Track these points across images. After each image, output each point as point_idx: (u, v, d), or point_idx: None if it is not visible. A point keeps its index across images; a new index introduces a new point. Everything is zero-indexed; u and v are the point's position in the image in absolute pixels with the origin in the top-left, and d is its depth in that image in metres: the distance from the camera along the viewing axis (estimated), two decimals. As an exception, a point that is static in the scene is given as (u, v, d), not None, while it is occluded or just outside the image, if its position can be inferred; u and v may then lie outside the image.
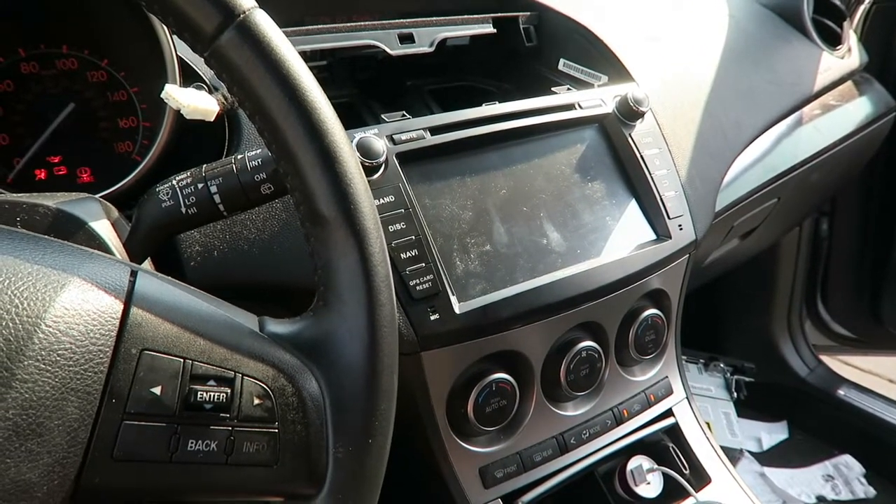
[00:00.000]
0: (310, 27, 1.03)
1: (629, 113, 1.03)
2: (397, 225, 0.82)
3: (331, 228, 0.54)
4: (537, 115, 0.97)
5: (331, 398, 0.52)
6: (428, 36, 1.11)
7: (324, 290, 0.55)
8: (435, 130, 0.90)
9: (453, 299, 0.83)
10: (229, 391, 0.49)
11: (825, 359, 2.21)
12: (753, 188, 1.25)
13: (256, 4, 0.52)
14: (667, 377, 1.08)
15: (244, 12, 0.50)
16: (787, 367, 2.13)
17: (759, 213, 1.36)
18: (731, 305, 2.22)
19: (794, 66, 1.47)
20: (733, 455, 1.87)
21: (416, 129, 0.88)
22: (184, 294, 0.51)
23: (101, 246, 0.60)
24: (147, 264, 0.70)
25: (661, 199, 1.01)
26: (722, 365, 2.06)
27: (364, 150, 0.81)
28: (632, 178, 1.02)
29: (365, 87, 1.22)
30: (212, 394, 0.48)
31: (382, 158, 0.82)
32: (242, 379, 0.49)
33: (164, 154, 0.82)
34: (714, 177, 1.13)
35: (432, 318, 0.81)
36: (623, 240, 0.98)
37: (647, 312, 1.01)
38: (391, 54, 1.07)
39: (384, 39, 1.08)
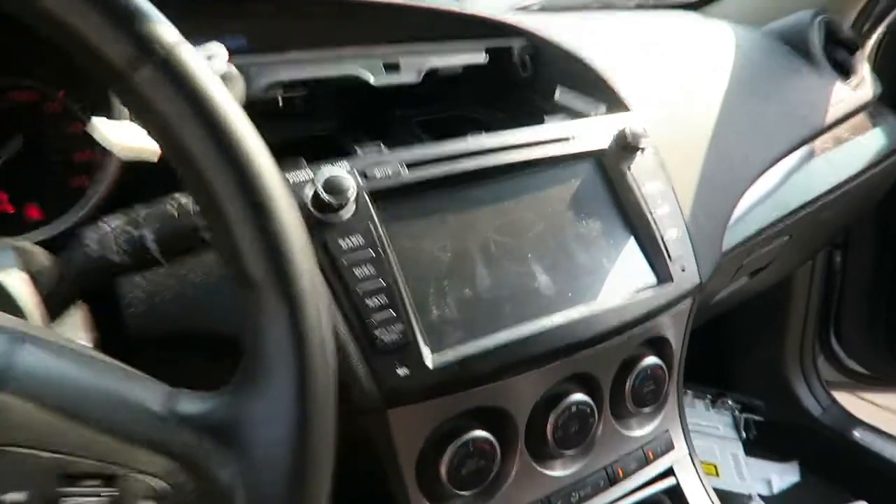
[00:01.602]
0: (289, 55, 0.94)
1: (628, 147, 0.92)
2: (365, 269, 0.72)
3: (260, 291, 0.44)
4: (527, 149, 0.87)
5: (245, 498, 0.41)
6: (415, 65, 1.02)
7: (248, 361, 0.45)
8: (413, 165, 0.79)
9: (425, 350, 0.72)
10: (114, 492, 0.38)
11: (839, 396, 2.06)
12: (763, 226, 1.13)
13: (182, 39, 0.43)
14: (667, 431, 0.95)
15: (165, 47, 0.41)
16: (798, 406, 1.98)
17: (770, 251, 1.24)
18: (739, 338, 2.08)
19: (804, 97, 1.35)
20: (742, 501, 1.72)
21: (391, 164, 0.78)
22: (73, 367, 0.41)
23: (6, 301, 0.51)
24: (79, 312, 0.61)
25: (663, 239, 0.90)
26: (730, 402, 1.91)
27: (330, 187, 0.71)
28: (630, 216, 0.91)
29: (351, 117, 1.13)
30: (87, 499, 0.37)
31: (352, 196, 0.72)
32: (128, 476, 0.39)
33: (117, 187, 0.73)
34: (721, 214, 1.02)
35: (400, 372, 0.70)
36: (620, 283, 0.87)
37: (646, 361, 0.89)
38: (375, 85, 0.98)
39: (368, 68, 0.99)
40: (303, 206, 0.72)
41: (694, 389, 1.95)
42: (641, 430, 0.93)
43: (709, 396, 1.92)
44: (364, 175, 0.76)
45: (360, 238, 0.72)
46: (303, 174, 0.74)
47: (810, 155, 1.34)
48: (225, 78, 0.75)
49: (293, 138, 1.01)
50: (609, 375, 0.87)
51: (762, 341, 2.01)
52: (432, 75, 1.02)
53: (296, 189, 0.72)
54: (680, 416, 0.97)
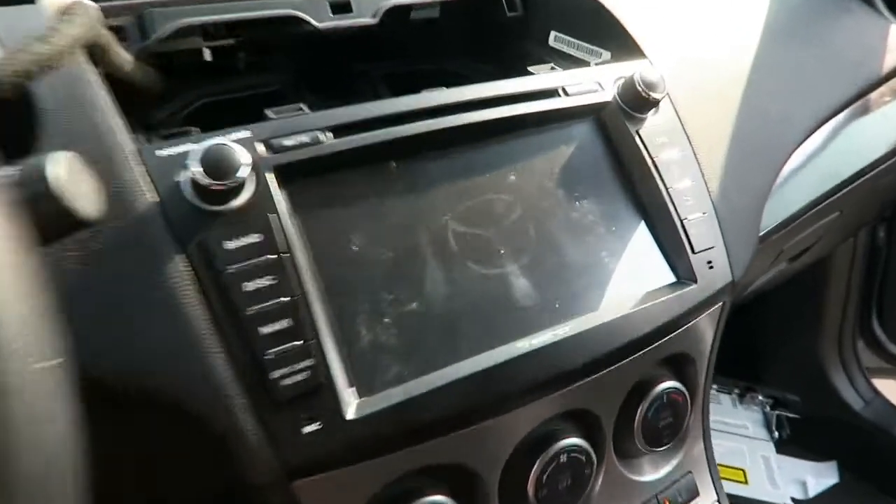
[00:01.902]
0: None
1: (637, 101, 0.69)
2: (261, 281, 0.50)
3: None
4: (502, 106, 0.64)
5: None
6: (370, 4, 0.79)
7: None
8: (341, 130, 0.57)
9: (348, 395, 0.51)
10: None
11: (882, 386, 1.84)
12: (810, 201, 0.90)
13: None
14: (690, 473, 0.74)
15: None
16: (837, 399, 1.76)
17: (816, 230, 1.00)
18: (771, 325, 1.85)
19: (856, 42, 1.09)
20: (774, 510, 1.52)
21: (309, 130, 0.57)
22: None
23: None
24: None
25: (683, 225, 0.67)
26: (760, 397, 1.70)
27: (212, 163, 0.49)
28: (640, 193, 0.68)
29: (305, 74, 0.90)
30: None
31: (245, 176, 0.51)
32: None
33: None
34: (758, 188, 0.78)
35: (308, 429, 0.49)
36: (627, 287, 0.64)
37: (661, 387, 0.68)
38: (319, 28, 0.75)
39: (311, 10, 0.76)
40: (176, 192, 0.51)
41: (719, 383, 1.73)
42: (656, 474, 0.72)
43: (736, 391, 1.70)
44: (270, 146, 0.55)
45: (255, 236, 0.51)
46: (185, 146, 0.52)
47: (864, 110, 1.10)
48: (65, 11, 0.53)
49: (230, 98, 0.80)
50: (612, 409, 0.65)
51: (796, 328, 1.78)
52: (400, 19, 0.79)
53: (166, 168, 0.51)
54: (706, 453, 0.76)
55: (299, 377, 0.49)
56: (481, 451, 0.58)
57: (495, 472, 0.59)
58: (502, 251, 0.61)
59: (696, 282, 0.66)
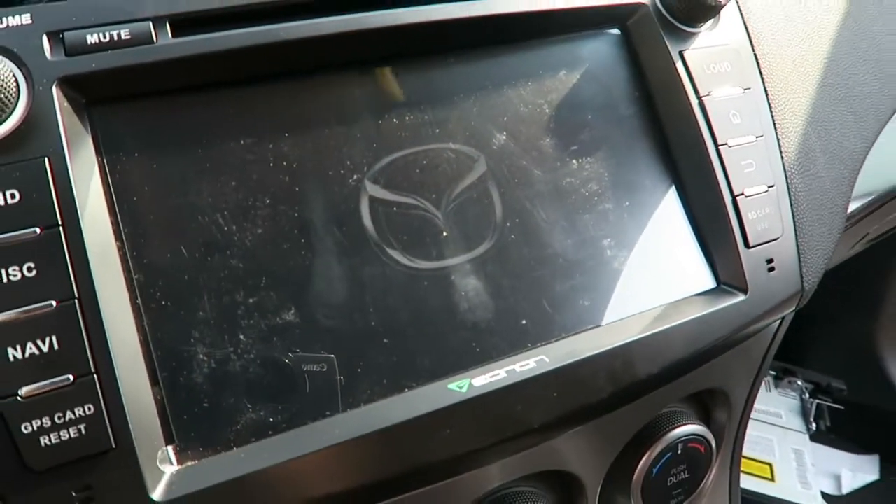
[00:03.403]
0: None
1: (689, 4, 0.44)
2: (12, 270, 0.30)
3: None
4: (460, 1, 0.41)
5: None
6: None
7: None
8: (184, 24, 0.35)
9: (158, 461, 0.31)
10: None
11: (943, 377, 1.60)
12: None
13: None
14: (706, 541, 0.54)
15: None
16: (890, 390, 1.54)
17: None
18: (820, 301, 1.61)
19: None
20: (801, 514, 1.33)
21: (130, 21, 0.34)
22: None
23: None
24: None
25: (736, 203, 0.44)
26: (800, 382, 1.48)
27: None
28: (673, 150, 0.45)
29: None
30: None
31: (10, 87, 0.30)
32: None
33: None
34: (853, 151, 0.53)
35: None
36: (638, 295, 0.42)
37: (677, 433, 0.46)
38: None
39: None
40: None
41: (752, 362, 1.53)
42: (658, 541, 0.52)
43: (772, 373, 1.49)
44: (59, 42, 0.33)
45: (10, 194, 0.31)
46: None
47: None
48: None
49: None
50: (601, 466, 0.44)
51: (850, 308, 1.55)
52: None
53: None
54: (732, 515, 0.55)
55: (69, 433, 0.30)
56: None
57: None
58: (445, 234, 0.39)
59: (745, 291, 0.43)
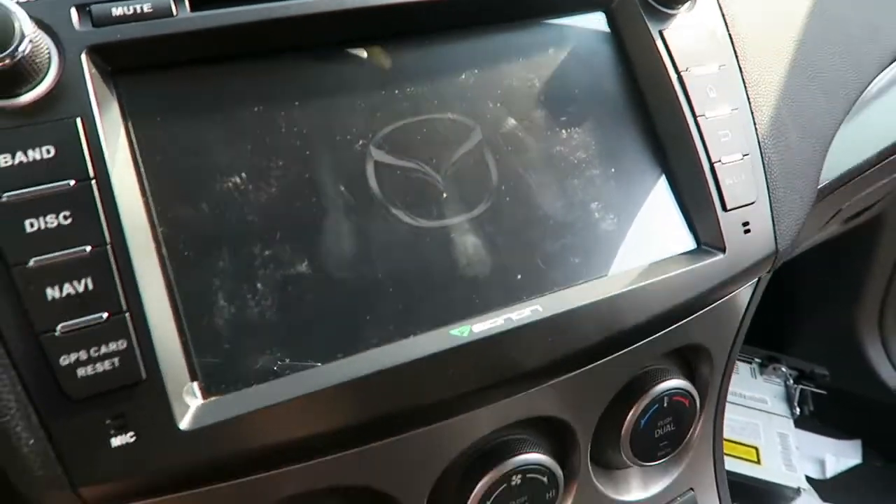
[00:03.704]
0: None
1: None
2: (49, 219, 0.33)
3: None
4: None
5: None
6: None
7: None
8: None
9: (185, 394, 0.34)
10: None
11: (922, 364, 1.64)
12: (886, 147, 0.68)
13: None
14: (692, 491, 0.57)
15: None
16: (871, 376, 1.57)
17: (883, 186, 0.78)
18: (803, 289, 1.65)
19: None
20: (787, 496, 1.36)
21: None
22: None
23: None
24: None
25: (713, 169, 0.47)
26: (784, 368, 1.51)
27: None
28: (656, 122, 0.48)
29: None
30: None
31: (26, 51, 0.32)
32: None
33: None
34: (824, 125, 0.57)
35: (117, 442, 0.33)
36: (625, 253, 0.45)
37: (662, 387, 0.49)
38: None
39: None
40: None
41: (739, 351, 1.56)
42: (645, 491, 0.55)
43: (757, 360, 1.52)
44: (88, 13, 0.36)
45: (46, 150, 0.33)
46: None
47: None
48: None
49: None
50: (591, 416, 0.47)
51: (833, 295, 1.58)
52: None
53: None
54: (715, 467, 0.58)
55: (103, 366, 0.33)
56: (396, 472, 0.41)
57: (418, 498, 0.42)
58: (445, 195, 0.42)
59: (724, 251, 0.47)
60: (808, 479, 1.48)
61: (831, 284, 1.64)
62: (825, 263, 1.61)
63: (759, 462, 1.42)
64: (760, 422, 1.49)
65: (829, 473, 1.52)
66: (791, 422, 1.50)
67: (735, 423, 1.52)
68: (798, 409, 1.51)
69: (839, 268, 1.63)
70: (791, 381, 1.54)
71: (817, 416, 1.57)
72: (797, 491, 1.42)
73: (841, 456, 1.56)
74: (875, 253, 1.57)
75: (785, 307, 1.69)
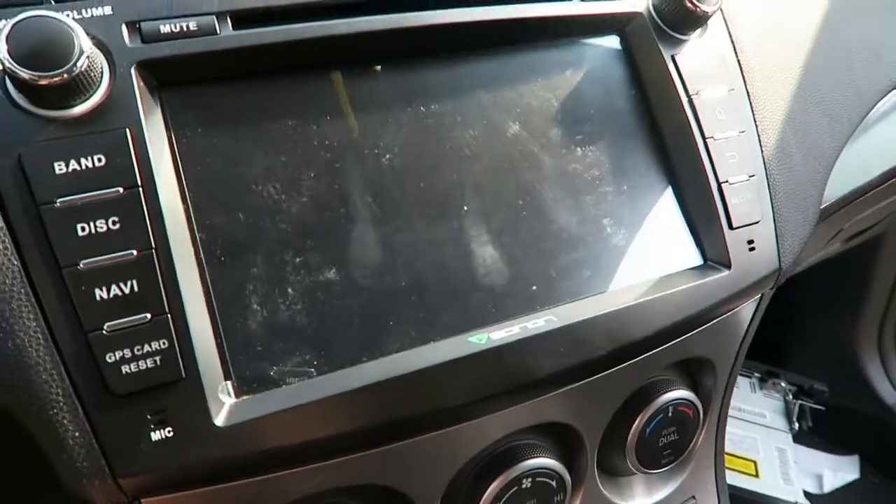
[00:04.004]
0: None
1: (679, 14, 0.50)
2: (100, 223, 0.35)
3: None
4: (481, 7, 0.46)
5: None
6: None
7: None
8: (244, 19, 0.40)
9: (219, 393, 0.36)
10: None
11: (920, 382, 1.65)
12: (886, 171, 0.70)
13: None
14: (693, 499, 0.59)
15: None
16: (869, 392, 1.58)
17: (886, 206, 0.81)
18: (803, 305, 1.66)
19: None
20: (784, 509, 1.37)
21: (198, 14, 0.40)
22: None
23: None
24: None
25: (721, 189, 0.50)
26: (783, 384, 1.53)
27: (29, 48, 0.33)
28: (666, 142, 0.51)
29: None
30: None
31: (82, 67, 0.34)
32: None
33: None
34: (827, 148, 0.59)
35: (157, 436, 0.35)
36: (635, 268, 0.47)
37: (667, 397, 0.51)
38: None
39: None
40: None
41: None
42: (649, 498, 0.56)
43: (756, 375, 1.53)
44: (137, 31, 0.38)
45: (98, 158, 0.35)
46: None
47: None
48: None
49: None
50: (599, 423, 0.50)
51: (833, 311, 1.59)
52: None
53: None
54: (716, 476, 0.60)
55: (146, 363, 0.35)
56: (412, 472, 0.43)
57: (432, 498, 0.44)
58: (466, 209, 0.44)
59: (729, 267, 0.49)
60: (806, 493, 1.48)
61: (831, 301, 1.66)
62: (825, 280, 1.62)
63: (757, 476, 1.44)
64: (759, 436, 1.50)
65: (827, 489, 1.52)
66: (790, 437, 1.51)
67: (734, 436, 1.53)
68: (797, 425, 1.52)
69: (839, 285, 1.65)
70: (790, 397, 1.55)
71: (816, 431, 1.58)
72: (794, 505, 1.43)
73: (839, 471, 1.57)
74: (875, 271, 1.59)
75: (785, 323, 1.71)
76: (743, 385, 1.56)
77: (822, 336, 1.67)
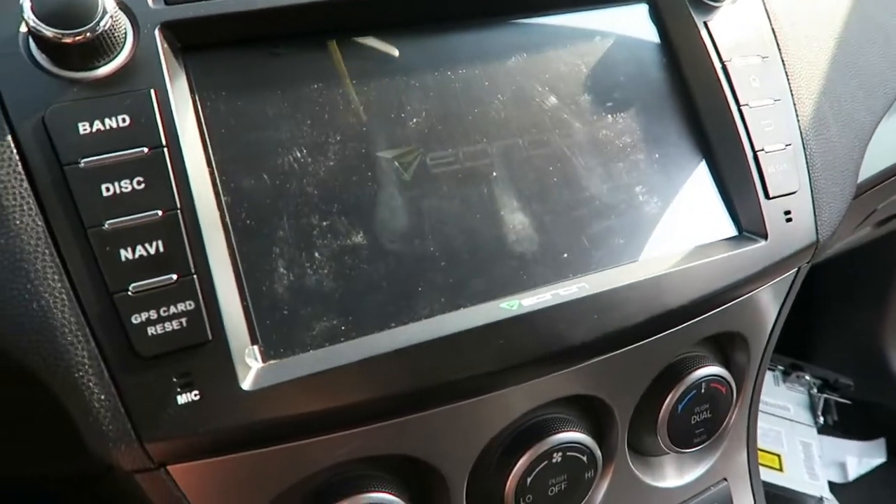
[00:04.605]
0: None
1: None
2: (125, 183, 0.34)
3: None
4: None
5: None
6: None
7: None
8: None
9: (246, 357, 0.35)
10: None
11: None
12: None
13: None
14: (725, 481, 0.57)
15: None
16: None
17: (920, 187, 0.78)
18: (829, 297, 1.63)
19: None
20: (809, 505, 1.34)
21: None
22: None
23: None
24: None
25: (757, 158, 0.48)
26: (808, 377, 1.50)
27: (55, 7, 0.33)
28: (700, 110, 0.49)
29: None
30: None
31: (106, 26, 0.34)
32: None
33: None
34: (864, 121, 0.57)
35: (183, 399, 0.34)
36: (668, 237, 0.46)
37: (700, 373, 0.50)
38: None
39: None
40: (12, 47, 0.35)
41: (761, 357, 1.54)
42: (680, 479, 0.55)
43: (780, 368, 1.50)
44: (163, -10, 0.37)
45: (122, 118, 0.35)
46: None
47: None
48: None
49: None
50: (631, 398, 0.48)
51: (859, 303, 1.56)
52: None
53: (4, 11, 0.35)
54: (749, 459, 0.58)
55: (172, 325, 0.34)
56: (441, 443, 0.42)
57: (461, 471, 0.43)
58: (495, 174, 0.43)
59: (766, 238, 0.47)
60: (831, 484, 1.45)
61: (857, 294, 1.62)
62: (851, 273, 1.59)
63: (781, 469, 1.41)
64: (783, 429, 1.47)
65: (852, 476, 1.49)
66: (814, 430, 1.48)
67: (758, 429, 1.50)
68: (822, 419, 1.49)
69: (865, 278, 1.61)
70: (815, 390, 1.52)
71: (841, 426, 1.55)
72: (820, 500, 1.40)
73: (864, 456, 1.53)
74: (902, 262, 1.55)
75: (810, 315, 1.68)
76: (766, 378, 1.53)
77: (847, 329, 1.64)
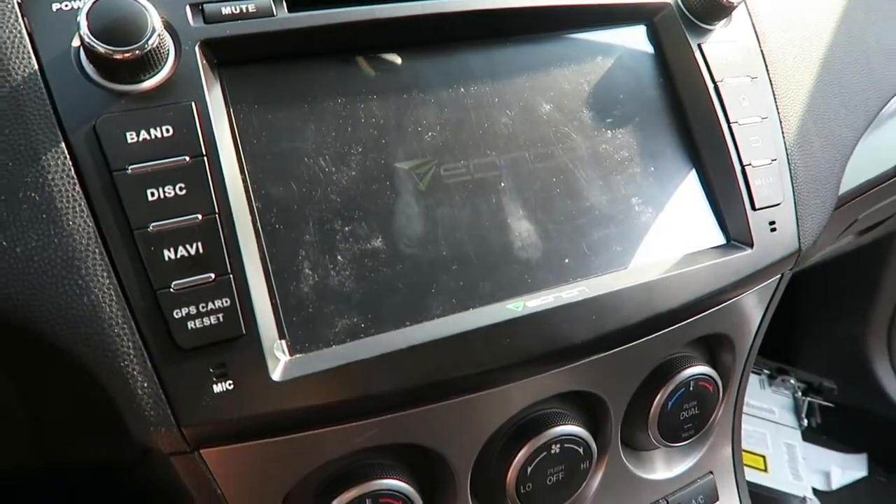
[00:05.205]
0: None
1: (706, 5, 0.53)
2: (168, 189, 0.38)
3: None
4: None
5: None
6: None
7: None
8: (298, 1, 0.43)
9: (276, 350, 0.39)
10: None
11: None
12: (902, 161, 0.72)
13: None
14: (711, 474, 0.61)
15: None
16: (878, 391, 1.59)
17: (899, 199, 0.83)
18: (813, 304, 1.68)
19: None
20: (793, 504, 1.38)
21: None
22: None
23: None
24: None
25: (744, 172, 0.52)
26: (792, 381, 1.54)
27: (107, 25, 0.36)
28: (692, 126, 0.53)
29: None
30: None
31: (154, 44, 0.37)
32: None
33: None
34: (845, 137, 0.62)
35: (219, 388, 0.37)
36: (661, 245, 0.50)
37: (689, 372, 0.54)
38: None
39: None
40: (66, 61, 0.38)
41: (748, 360, 1.58)
42: (669, 472, 0.59)
43: (766, 371, 1.55)
44: (201, 11, 0.41)
45: (166, 129, 0.38)
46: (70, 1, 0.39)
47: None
48: None
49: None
50: (624, 394, 0.52)
51: (843, 310, 1.60)
52: None
53: (58, 27, 0.38)
54: (733, 453, 0.62)
55: (210, 320, 0.37)
56: (449, 434, 0.45)
57: (466, 460, 0.47)
58: (503, 185, 0.46)
59: (752, 246, 0.51)
60: (814, 490, 1.50)
61: (841, 300, 1.67)
62: (835, 279, 1.64)
63: (766, 470, 1.45)
64: (768, 431, 1.51)
65: (835, 485, 1.54)
66: (798, 433, 1.53)
67: (744, 431, 1.55)
68: (805, 421, 1.54)
69: (849, 284, 1.66)
70: (799, 394, 1.56)
71: (824, 428, 1.59)
72: (803, 500, 1.45)
73: (847, 469, 1.58)
74: (885, 270, 1.60)
75: (795, 321, 1.73)
76: (752, 381, 1.57)
77: (831, 334, 1.68)
